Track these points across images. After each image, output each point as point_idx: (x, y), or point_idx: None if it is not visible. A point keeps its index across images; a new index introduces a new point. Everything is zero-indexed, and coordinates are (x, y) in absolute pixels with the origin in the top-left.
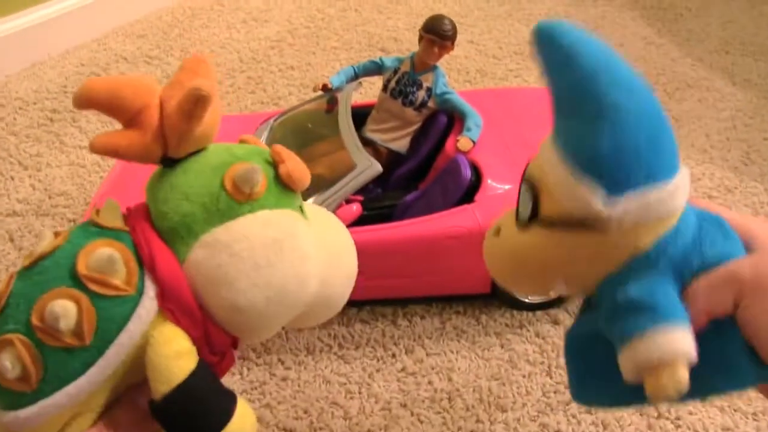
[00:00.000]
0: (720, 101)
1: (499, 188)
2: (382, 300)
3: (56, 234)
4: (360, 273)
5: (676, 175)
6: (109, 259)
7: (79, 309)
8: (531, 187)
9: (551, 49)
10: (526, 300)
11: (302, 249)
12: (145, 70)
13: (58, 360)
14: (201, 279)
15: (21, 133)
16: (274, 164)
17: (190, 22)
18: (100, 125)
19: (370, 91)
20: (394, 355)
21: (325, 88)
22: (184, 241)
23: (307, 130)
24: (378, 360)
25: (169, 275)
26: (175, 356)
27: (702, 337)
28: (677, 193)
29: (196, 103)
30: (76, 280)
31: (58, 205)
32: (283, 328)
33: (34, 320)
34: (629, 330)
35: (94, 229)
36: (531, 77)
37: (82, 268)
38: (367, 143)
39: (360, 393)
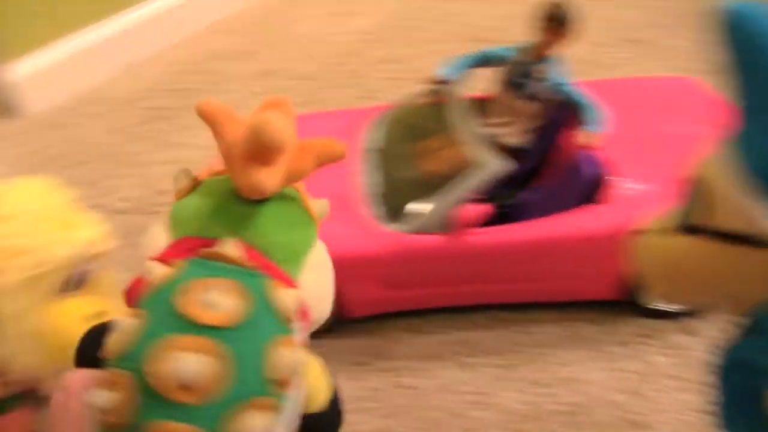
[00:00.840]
0: None
1: (630, 187)
2: (504, 304)
3: (221, 284)
4: (481, 277)
5: None
6: (293, 302)
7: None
8: (701, 193)
9: (745, 36)
10: (660, 307)
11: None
12: (242, 66)
13: (289, 405)
14: (309, 298)
15: (125, 131)
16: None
17: (283, 16)
18: (201, 122)
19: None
20: (518, 364)
21: (434, 80)
22: (296, 266)
23: (417, 125)
24: (502, 369)
25: (305, 304)
26: (323, 372)
27: None
28: None
29: (334, 160)
30: (285, 326)
31: (164, 203)
32: None
33: (271, 374)
34: None
35: (241, 269)
36: (645, 65)
37: (284, 312)
38: (484, 138)
39: (484, 404)
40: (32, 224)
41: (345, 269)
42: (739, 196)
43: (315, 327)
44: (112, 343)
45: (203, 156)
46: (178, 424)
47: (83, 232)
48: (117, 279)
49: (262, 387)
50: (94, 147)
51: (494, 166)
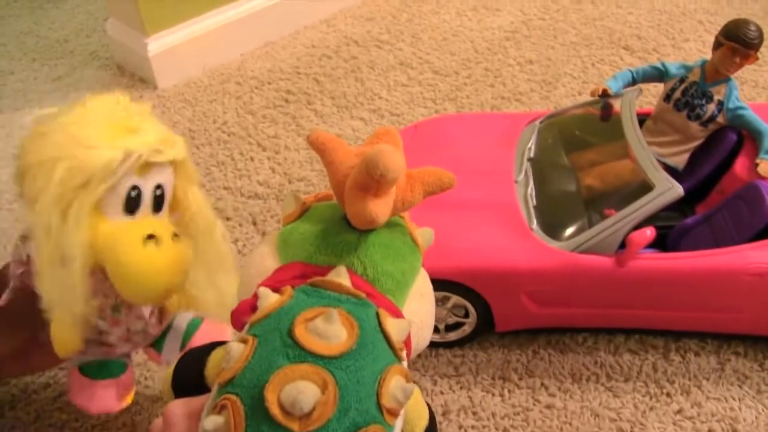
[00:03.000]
0: None
1: None
2: (652, 330)
3: (337, 315)
4: (641, 302)
5: None
6: (405, 330)
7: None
8: None
9: None
10: None
11: None
12: (377, 55)
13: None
14: (414, 326)
15: (258, 113)
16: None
17: (419, 6)
18: (336, 110)
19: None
20: (668, 394)
21: (604, 93)
22: (403, 295)
23: (576, 136)
24: (651, 397)
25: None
26: (421, 398)
27: None
28: None
29: (443, 190)
30: (394, 357)
31: (299, 190)
32: None
33: (385, 402)
34: None
35: (352, 299)
36: None
37: (397, 343)
38: None
39: None
40: (76, 132)
41: (499, 281)
42: None
43: (415, 355)
44: (224, 368)
45: None
46: None
47: (134, 138)
48: (207, 201)
49: (373, 415)
50: (227, 126)
51: (675, 189)
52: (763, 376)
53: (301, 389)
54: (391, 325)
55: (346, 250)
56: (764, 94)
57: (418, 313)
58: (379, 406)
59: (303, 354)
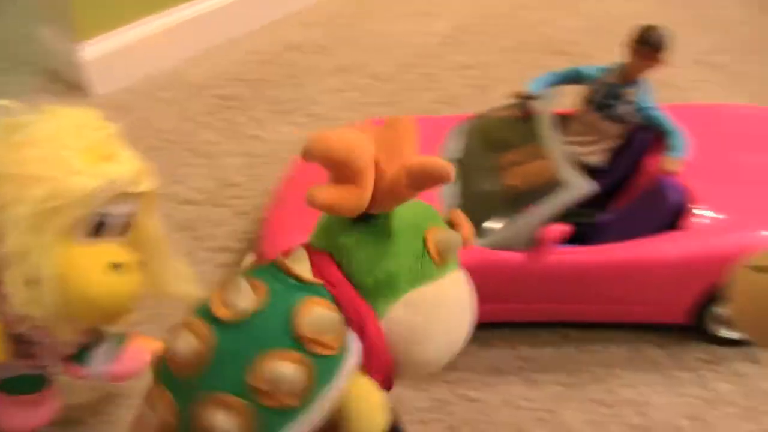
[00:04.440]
0: None
1: (709, 216)
2: (571, 323)
3: (253, 285)
4: (556, 296)
5: None
6: (331, 322)
7: (303, 371)
8: None
9: None
10: (725, 335)
11: (472, 305)
12: (316, 60)
13: (271, 420)
14: (398, 335)
15: (195, 119)
16: (454, 226)
17: (359, 12)
18: (272, 115)
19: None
20: (584, 383)
21: (522, 95)
22: (386, 298)
23: (499, 137)
24: (567, 387)
25: (375, 334)
26: (377, 410)
27: None
28: None
29: (434, 181)
30: (295, 342)
31: (231, 195)
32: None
33: (254, 382)
34: None
35: (291, 281)
36: (714, 90)
37: (302, 330)
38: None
39: (550, 421)
40: (56, 151)
41: None
42: None
43: (407, 370)
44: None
45: (273, 150)
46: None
47: (115, 167)
48: (162, 232)
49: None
50: (163, 133)
51: (583, 186)
52: (672, 361)
53: (179, 340)
54: (308, 314)
55: (336, 237)
56: (681, 95)
57: (404, 323)
58: (299, 338)
59: (207, 314)
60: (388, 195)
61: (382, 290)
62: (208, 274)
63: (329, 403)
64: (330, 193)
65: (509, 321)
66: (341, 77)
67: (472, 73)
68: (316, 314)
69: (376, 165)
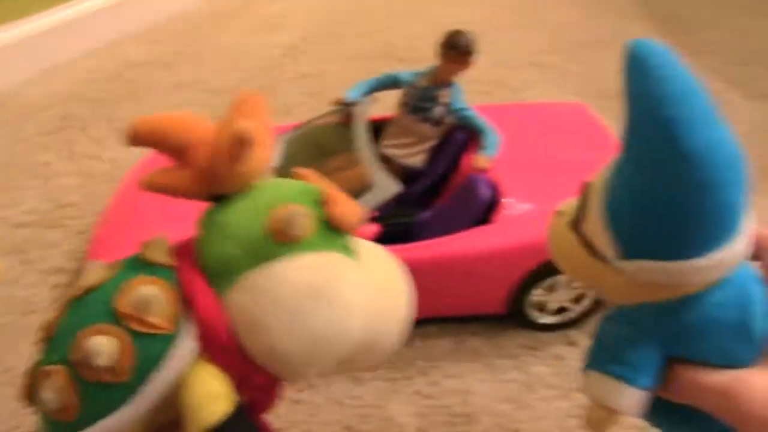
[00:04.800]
0: (735, 114)
1: (518, 208)
2: None
3: (110, 267)
4: None
5: (714, 252)
6: (148, 298)
7: (116, 345)
8: (582, 201)
9: (635, 76)
10: (543, 321)
11: (343, 296)
12: (158, 77)
13: (96, 394)
14: (240, 320)
15: (30, 140)
16: (323, 205)
17: (203, 28)
18: (110, 133)
19: (389, 103)
20: (409, 377)
21: (341, 102)
22: (226, 281)
23: (322, 144)
24: (393, 382)
25: (207, 315)
26: (211, 397)
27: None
28: (705, 271)
29: (239, 145)
30: (114, 317)
31: (66, 216)
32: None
33: (74, 354)
34: (595, 360)
35: (140, 264)
36: (547, 88)
37: (121, 306)
38: (382, 158)
39: (374, 416)
40: None
41: None
42: (597, 218)
43: (272, 363)
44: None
45: (111, 169)
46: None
47: None
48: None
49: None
50: None
51: (388, 187)
52: (494, 350)
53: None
54: (132, 291)
55: (203, 221)
56: (514, 95)
57: (241, 307)
58: (118, 314)
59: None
60: (219, 170)
61: (221, 272)
62: (40, 296)
63: (163, 385)
64: (162, 175)
65: None
66: (181, 93)
67: (309, 82)
68: (140, 291)
69: (213, 142)
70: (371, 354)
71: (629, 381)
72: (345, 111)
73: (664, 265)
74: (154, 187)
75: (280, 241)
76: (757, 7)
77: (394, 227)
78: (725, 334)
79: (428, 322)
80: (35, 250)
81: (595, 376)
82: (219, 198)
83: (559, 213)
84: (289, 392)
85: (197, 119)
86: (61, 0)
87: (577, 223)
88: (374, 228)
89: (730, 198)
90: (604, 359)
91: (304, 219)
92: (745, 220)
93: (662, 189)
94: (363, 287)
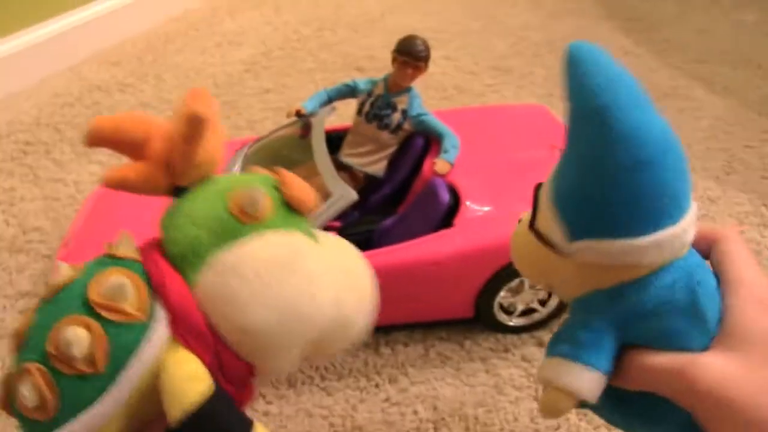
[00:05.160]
0: (699, 110)
1: (479, 211)
2: None
3: (75, 267)
4: None
5: (657, 232)
6: (119, 286)
7: (90, 335)
8: (535, 199)
9: (567, 73)
10: (510, 323)
11: (310, 268)
12: (120, 99)
13: (73, 388)
14: (210, 302)
15: None
16: (281, 186)
17: (164, 47)
18: (74, 156)
19: (347, 113)
20: (377, 385)
21: (298, 113)
22: (193, 265)
23: (282, 156)
24: (361, 391)
25: (178, 299)
26: (188, 379)
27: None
28: (651, 250)
29: (194, 125)
30: (88, 308)
31: (33, 240)
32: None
33: (49, 348)
34: (551, 347)
35: (108, 260)
36: (509, 92)
37: (93, 296)
38: (343, 168)
39: (343, 426)
40: None
41: None
42: (546, 207)
43: (244, 342)
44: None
45: (76, 191)
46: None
47: None
48: None
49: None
50: None
51: (345, 196)
52: (462, 354)
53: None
54: (103, 282)
55: (167, 212)
56: (476, 99)
57: (211, 287)
58: (90, 304)
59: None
60: (176, 159)
61: (188, 258)
62: (7, 321)
63: (138, 374)
64: (119, 170)
65: None
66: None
67: (270, 97)
68: (110, 281)
69: (170, 137)
70: (342, 335)
71: (579, 358)
72: (303, 122)
73: (608, 244)
74: (113, 182)
75: (243, 220)
76: (717, 5)
77: (357, 236)
78: (676, 316)
79: (395, 329)
80: (1, 276)
81: (548, 361)
82: (179, 193)
83: (520, 220)
84: (257, 405)
85: (144, 117)
86: (19, 26)
87: (532, 222)
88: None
89: (666, 178)
90: (556, 344)
91: (264, 197)
92: (689, 205)
93: (599, 169)
94: (328, 264)
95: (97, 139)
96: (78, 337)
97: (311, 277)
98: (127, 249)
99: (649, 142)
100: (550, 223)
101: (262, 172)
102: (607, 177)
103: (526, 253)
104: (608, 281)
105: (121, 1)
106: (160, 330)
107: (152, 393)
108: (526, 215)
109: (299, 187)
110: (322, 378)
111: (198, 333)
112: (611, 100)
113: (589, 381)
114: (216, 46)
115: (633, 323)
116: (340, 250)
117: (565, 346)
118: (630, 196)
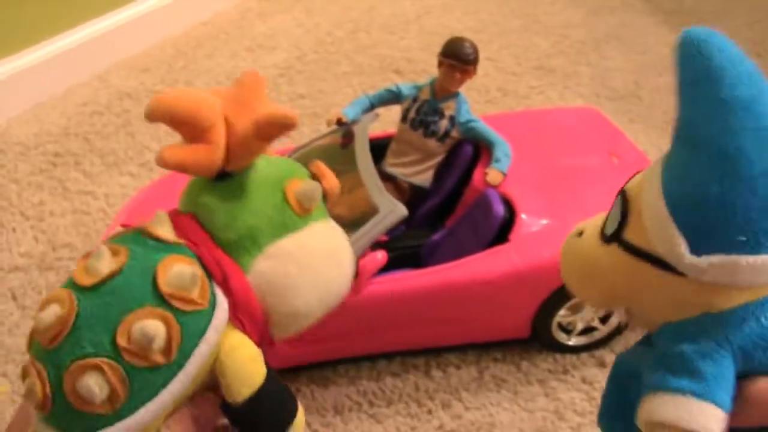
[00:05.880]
0: None
1: (535, 224)
2: (413, 350)
3: (113, 251)
4: (388, 324)
5: None
6: (189, 276)
7: (167, 327)
8: (624, 204)
9: (697, 60)
10: (569, 343)
11: (347, 254)
12: None
13: (144, 379)
14: (264, 288)
15: (23, 180)
16: (320, 179)
17: (194, 52)
18: (104, 168)
19: (387, 119)
20: (429, 411)
21: (339, 121)
22: (249, 252)
23: None
24: (413, 417)
25: (240, 288)
26: (251, 361)
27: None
28: None
29: (281, 129)
30: (159, 299)
31: (62, 257)
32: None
33: (121, 342)
34: (665, 382)
35: (152, 242)
36: (554, 93)
37: (164, 287)
38: (387, 178)
39: None
40: None
41: None
42: (655, 218)
43: (281, 323)
44: None
45: (105, 205)
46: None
47: None
48: None
49: (143, 302)
50: None
51: (394, 211)
52: (519, 376)
53: (44, 310)
54: (169, 271)
55: (197, 197)
56: (521, 102)
57: (269, 275)
58: (162, 295)
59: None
60: (240, 149)
61: (244, 244)
62: None
63: (202, 359)
64: (180, 152)
65: (350, 356)
66: None
67: (306, 102)
68: (177, 270)
69: (226, 121)
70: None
71: (707, 395)
72: (344, 130)
73: (742, 260)
74: (171, 163)
75: (299, 213)
76: None
77: (403, 251)
78: None
79: (446, 350)
80: (31, 295)
81: (664, 398)
82: (222, 175)
83: (573, 234)
84: None
85: (209, 98)
86: (45, 35)
87: (618, 233)
88: (382, 254)
89: None
90: (671, 377)
91: (320, 193)
92: None
93: (741, 170)
94: (348, 246)
95: (166, 115)
96: (158, 330)
97: (346, 265)
98: (167, 231)
99: None
100: (659, 234)
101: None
102: (749, 179)
103: (599, 270)
104: (725, 303)
105: (148, 7)
106: (222, 315)
107: (206, 373)
108: (584, 225)
109: (332, 179)
110: (371, 404)
111: (254, 317)
112: (757, 92)
113: (717, 422)
114: (247, 51)
115: (754, 351)
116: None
117: (685, 381)
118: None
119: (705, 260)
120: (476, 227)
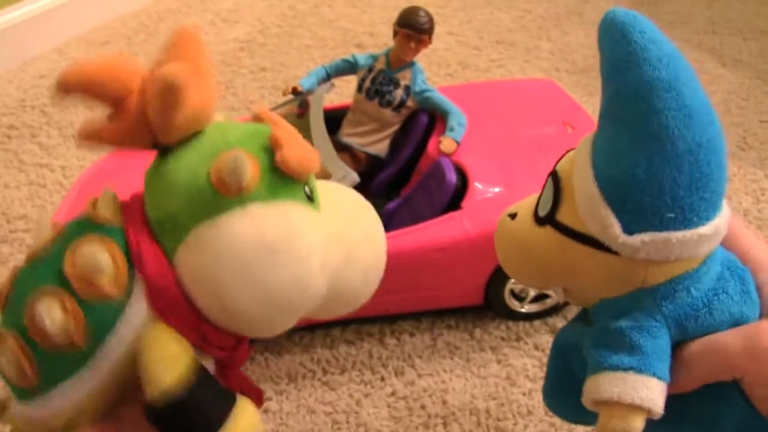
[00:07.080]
0: (710, 84)
1: (488, 192)
2: (367, 318)
3: (55, 227)
4: None
5: (711, 221)
6: (95, 259)
7: (64, 310)
8: (556, 185)
9: (620, 43)
10: (522, 310)
11: (299, 249)
12: None
13: (50, 360)
14: (189, 278)
15: None
16: (273, 150)
17: (156, 26)
18: (62, 140)
19: (346, 90)
20: (383, 378)
21: (295, 91)
22: (172, 236)
23: None
24: (366, 384)
25: (155, 273)
26: (165, 360)
27: (690, 396)
28: (707, 240)
29: (167, 93)
30: (63, 280)
31: (17, 229)
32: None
33: (25, 321)
34: (606, 360)
35: (85, 222)
36: (514, 67)
37: (68, 268)
38: (343, 148)
39: (348, 423)
40: None
41: None
42: (586, 199)
43: (231, 321)
44: None
45: (62, 177)
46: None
47: None
48: None
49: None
50: None
51: (345, 178)
52: (472, 344)
53: None
54: (78, 253)
55: (149, 176)
56: (481, 75)
57: (191, 265)
58: (66, 278)
59: None
60: (157, 120)
61: (166, 228)
62: None
63: (117, 352)
64: (93, 125)
65: (305, 325)
66: None
67: (267, 76)
68: (86, 252)
69: (145, 89)
70: (341, 304)
71: (648, 369)
72: (300, 100)
73: (672, 235)
74: (87, 135)
75: (224, 193)
76: None
77: None
78: (731, 304)
79: (401, 318)
80: None
81: (606, 376)
82: (164, 148)
83: (506, 215)
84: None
85: (126, 64)
86: (1, 6)
87: (551, 215)
88: None
89: (724, 158)
90: (611, 354)
91: (247, 167)
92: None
93: (668, 149)
94: (322, 236)
95: (70, 89)
96: (51, 312)
97: (298, 259)
98: (108, 210)
99: (714, 119)
100: (592, 215)
101: (266, 121)
102: (675, 157)
103: (534, 253)
104: (658, 277)
105: None
106: (138, 305)
107: (131, 370)
108: (517, 207)
109: (295, 149)
110: (324, 371)
111: (176, 309)
112: (679, 73)
113: (660, 393)
114: (209, 24)
115: (686, 321)
116: (345, 212)
117: (625, 357)
118: (698, 179)
119: (638, 238)
120: (430, 195)
